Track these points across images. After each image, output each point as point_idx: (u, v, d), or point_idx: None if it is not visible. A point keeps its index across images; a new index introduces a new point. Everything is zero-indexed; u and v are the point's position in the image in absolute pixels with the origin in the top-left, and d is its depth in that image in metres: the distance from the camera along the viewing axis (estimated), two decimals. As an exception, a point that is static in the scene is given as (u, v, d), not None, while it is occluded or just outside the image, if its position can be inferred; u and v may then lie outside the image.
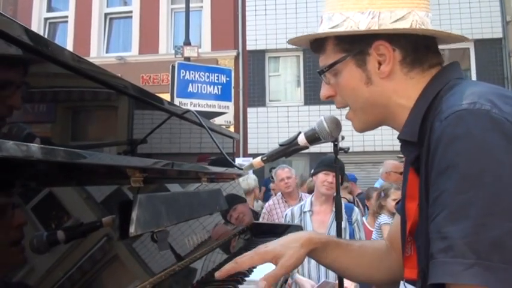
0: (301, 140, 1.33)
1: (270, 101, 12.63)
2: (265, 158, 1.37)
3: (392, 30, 0.97)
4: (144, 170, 1.33)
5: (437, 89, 0.95)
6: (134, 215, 1.21)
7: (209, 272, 1.58)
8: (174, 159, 1.52)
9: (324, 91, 1.11)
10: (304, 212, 3.57)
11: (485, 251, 0.72)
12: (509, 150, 0.75)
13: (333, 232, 3.30)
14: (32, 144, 0.84)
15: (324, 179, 3.50)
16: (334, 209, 3.45)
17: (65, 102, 1.14)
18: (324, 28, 1.04)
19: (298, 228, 2.65)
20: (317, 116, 12.54)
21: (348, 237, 3.41)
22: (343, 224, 3.15)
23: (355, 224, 3.53)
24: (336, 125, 1.32)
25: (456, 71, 1.01)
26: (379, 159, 11.22)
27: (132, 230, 1.19)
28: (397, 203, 1.25)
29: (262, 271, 1.28)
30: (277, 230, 2.50)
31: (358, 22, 0.99)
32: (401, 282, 1.03)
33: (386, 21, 0.98)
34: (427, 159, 0.86)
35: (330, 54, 1.05)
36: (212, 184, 2.01)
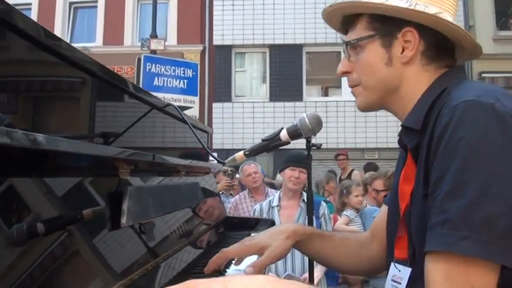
0: (284, 135, 1.35)
1: (235, 96, 12.63)
2: (247, 152, 1.39)
3: (425, 14, 1.03)
4: (118, 161, 1.31)
5: (446, 85, 1.03)
6: (123, 207, 1.19)
7: (188, 265, 1.58)
8: (148, 151, 1.50)
9: (342, 67, 1.17)
10: (273, 207, 3.61)
11: (478, 226, 0.82)
12: (508, 140, 0.85)
13: (301, 227, 3.33)
14: (13, 129, 0.81)
15: (291, 175, 3.54)
16: (301, 204, 3.53)
17: (29, 90, 1.07)
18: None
19: (269, 221, 2.68)
20: (282, 112, 12.67)
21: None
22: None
23: (322, 218, 3.59)
24: (318, 121, 1.35)
25: (462, 73, 1.12)
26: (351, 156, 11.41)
27: (116, 223, 1.17)
28: (385, 196, 1.32)
29: (246, 262, 1.32)
30: (248, 224, 2.56)
31: (395, 6, 1.05)
32: (392, 263, 1.09)
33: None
34: (429, 145, 0.94)
35: (360, 30, 1.11)
36: (184, 178, 1.99)
